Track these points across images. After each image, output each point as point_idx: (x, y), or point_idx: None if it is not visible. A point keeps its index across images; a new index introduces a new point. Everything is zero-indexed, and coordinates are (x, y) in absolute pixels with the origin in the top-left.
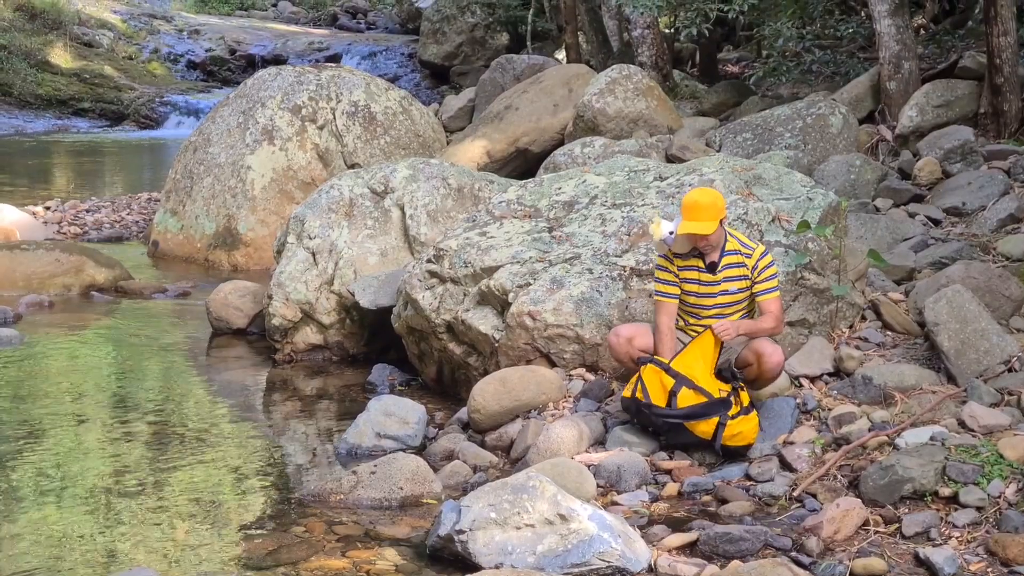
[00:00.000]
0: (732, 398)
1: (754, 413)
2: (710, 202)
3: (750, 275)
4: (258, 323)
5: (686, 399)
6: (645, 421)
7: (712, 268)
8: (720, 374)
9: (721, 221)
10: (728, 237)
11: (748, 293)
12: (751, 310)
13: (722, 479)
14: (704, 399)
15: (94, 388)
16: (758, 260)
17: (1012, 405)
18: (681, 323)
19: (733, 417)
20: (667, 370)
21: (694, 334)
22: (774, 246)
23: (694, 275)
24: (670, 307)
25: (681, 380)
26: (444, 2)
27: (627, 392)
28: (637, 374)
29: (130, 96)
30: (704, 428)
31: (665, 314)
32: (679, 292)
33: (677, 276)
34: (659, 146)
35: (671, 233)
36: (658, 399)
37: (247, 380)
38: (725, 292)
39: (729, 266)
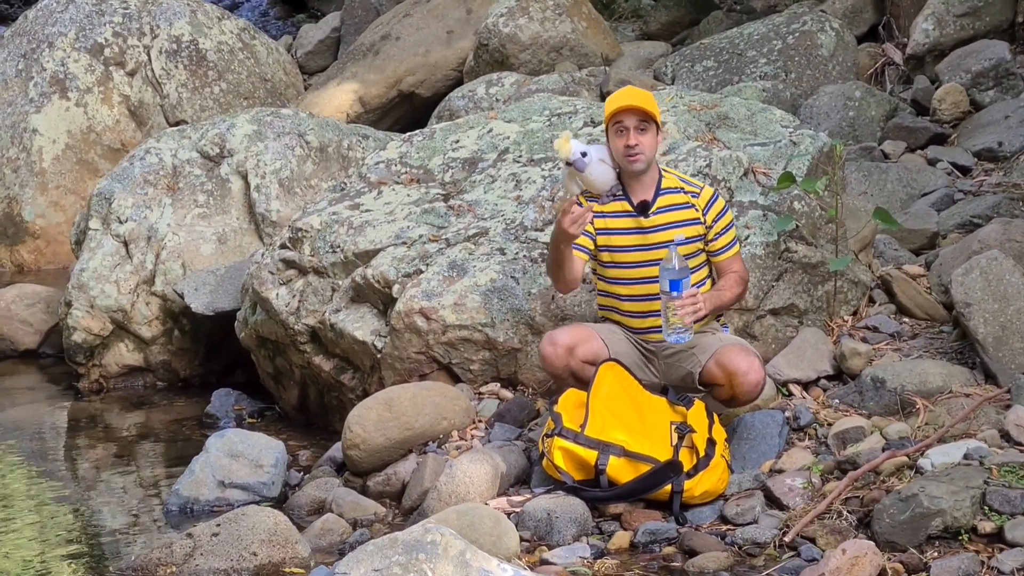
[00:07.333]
0: (680, 455)
1: (718, 456)
2: (648, 94)
3: (701, 219)
4: (54, 341)
5: (619, 471)
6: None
7: (643, 209)
8: (676, 396)
9: (658, 128)
10: (663, 173)
11: (699, 247)
12: (707, 276)
13: (689, 524)
14: (645, 467)
15: None
16: (710, 202)
17: None
18: (615, 306)
19: (690, 475)
20: (581, 441)
21: (635, 327)
22: (748, 208)
23: (619, 223)
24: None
25: (604, 449)
26: None
27: (540, 448)
28: (547, 424)
29: None
30: (656, 495)
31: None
32: (592, 248)
33: (592, 224)
34: (591, 82)
35: (584, 155)
36: (581, 476)
37: (42, 419)
38: (667, 243)
39: (670, 208)
